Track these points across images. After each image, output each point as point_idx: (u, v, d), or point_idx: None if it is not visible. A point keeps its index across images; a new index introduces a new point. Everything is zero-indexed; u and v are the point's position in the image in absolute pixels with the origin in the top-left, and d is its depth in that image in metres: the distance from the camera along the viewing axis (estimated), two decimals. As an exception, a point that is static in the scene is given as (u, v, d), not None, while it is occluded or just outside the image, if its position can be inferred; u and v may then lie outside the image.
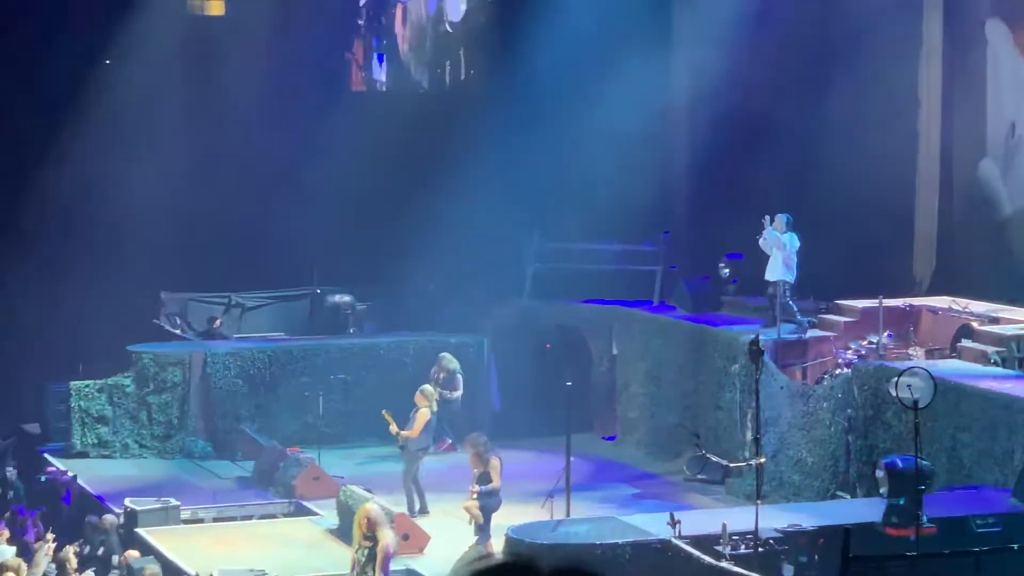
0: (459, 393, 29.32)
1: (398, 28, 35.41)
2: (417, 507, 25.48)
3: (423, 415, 25.84)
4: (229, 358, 30.74)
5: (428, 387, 26.49)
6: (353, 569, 20.15)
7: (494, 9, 34.39)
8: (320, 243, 32.38)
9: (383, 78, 36.17)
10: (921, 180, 30.86)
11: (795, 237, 27.14)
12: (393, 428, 25.55)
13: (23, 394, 30.56)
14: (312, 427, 29.20)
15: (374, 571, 19.66)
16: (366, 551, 19.83)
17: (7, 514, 25.82)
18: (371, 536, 19.83)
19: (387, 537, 19.85)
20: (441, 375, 29.24)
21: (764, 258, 27.49)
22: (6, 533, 23.40)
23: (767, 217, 27.31)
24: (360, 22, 35.83)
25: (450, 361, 29.52)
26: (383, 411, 25.71)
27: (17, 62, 32.59)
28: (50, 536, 23.50)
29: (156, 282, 33.10)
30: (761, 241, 27.31)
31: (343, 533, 23.97)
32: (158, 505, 25.40)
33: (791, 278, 27.35)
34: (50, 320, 31.13)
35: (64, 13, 32.60)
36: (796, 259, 27.30)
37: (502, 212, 31.75)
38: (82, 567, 22.71)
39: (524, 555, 2.75)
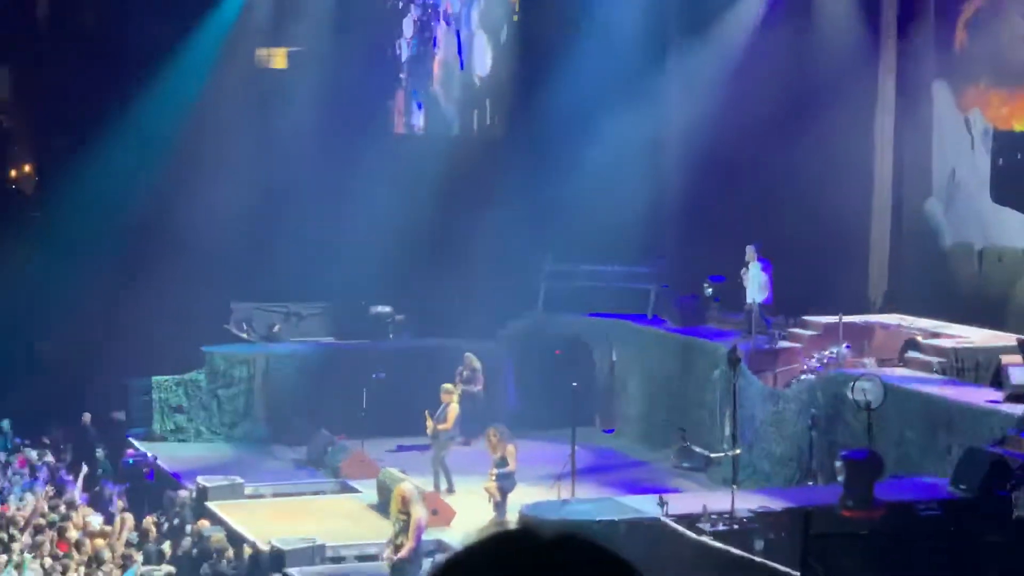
0: (480, 387, 29.40)
1: (435, 79, 35.44)
2: (444, 487, 25.49)
3: (453, 409, 25.90)
4: (287, 358, 30.79)
5: (448, 384, 26.54)
6: (390, 539, 20.21)
7: (514, 64, 34.42)
8: (365, 262, 32.39)
9: (420, 123, 36.20)
10: (875, 215, 30.83)
11: (759, 266, 27.25)
12: (429, 424, 25.64)
13: (111, 387, 30.60)
14: (356, 418, 29.23)
15: (407, 540, 19.72)
16: (401, 524, 19.89)
17: (95, 488, 25.95)
18: (405, 512, 19.89)
19: (419, 512, 19.90)
20: (465, 372, 29.33)
21: (741, 280, 27.62)
22: (88, 510, 23.43)
23: (751, 247, 27.37)
24: (402, 75, 35.88)
25: (473, 360, 29.59)
26: (425, 411, 25.78)
27: (115, 107, 32.80)
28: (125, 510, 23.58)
29: (226, 293, 33.17)
30: (743, 273, 27.42)
31: (382, 508, 24.03)
32: (225, 482, 25.45)
33: (765, 298, 27.37)
34: (135, 324, 31.17)
35: (160, 68, 32.87)
36: (769, 281, 27.31)
37: (519, 237, 31.77)
38: (160, 536, 22.77)
39: (525, 524, 2.75)
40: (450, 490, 25.40)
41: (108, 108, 32.92)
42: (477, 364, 29.55)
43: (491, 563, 2.71)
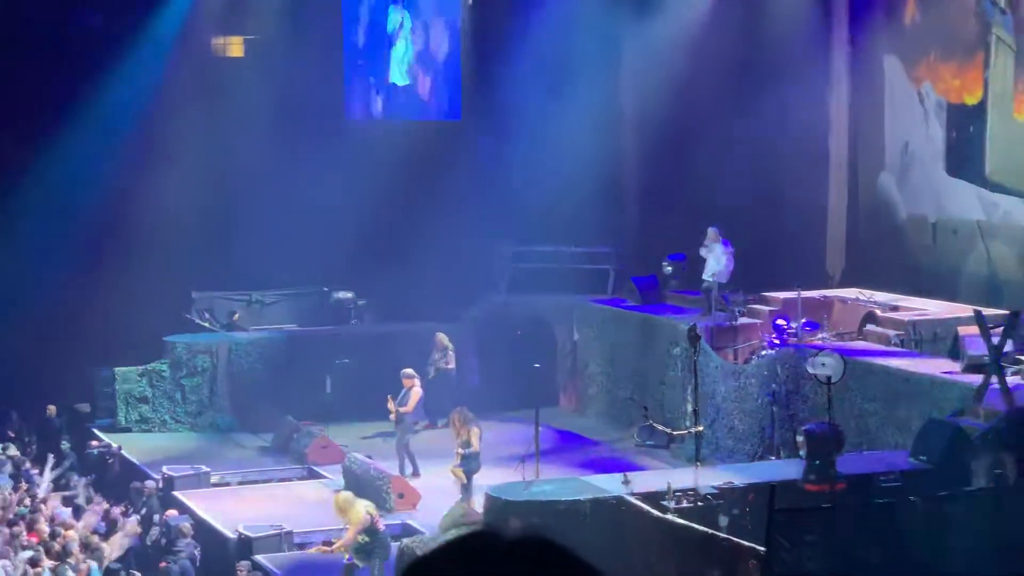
0: (453, 366, 29.51)
1: (391, 65, 35.36)
2: (409, 471, 25.53)
3: (416, 393, 25.97)
4: (250, 346, 30.75)
5: (409, 369, 26.59)
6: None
7: (470, 48, 34.39)
8: (326, 248, 32.36)
9: (378, 109, 36.13)
10: (832, 189, 30.99)
11: (722, 247, 27.39)
12: (392, 408, 25.69)
13: (74, 378, 30.48)
14: (321, 404, 29.25)
15: (343, 538, 20.12)
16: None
17: (62, 480, 25.87)
18: (344, 518, 20.24)
19: (357, 516, 20.08)
20: (437, 353, 29.45)
21: (702, 259, 27.73)
22: (56, 502, 23.36)
23: (713, 229, 27.51)
24: (359, 62, 35.81)
25: (444, 339, 29.67)
26: (388, 396, 25.82)
27: (71, 98, 32.64)
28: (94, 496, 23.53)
29: (187, 282, 33.07)
30: (703, 251, 27.54)
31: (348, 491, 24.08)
32: (191, 472, 25.43)
33: (723, 278, 27.49)
34: (97, 315, 31.03)
35: (115, 58, 32.72)
36: (728, 259, 27.44)
37: (479, 220, 31.78)
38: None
39: (489, 526, 2.84)
40: (415, 474, 25.44)
41: (63, 98, 32.74)
42: (448, 343, 29.64)
43: (456, 564, 2.79)
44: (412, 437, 26.05)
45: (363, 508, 20.28)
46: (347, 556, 20.34)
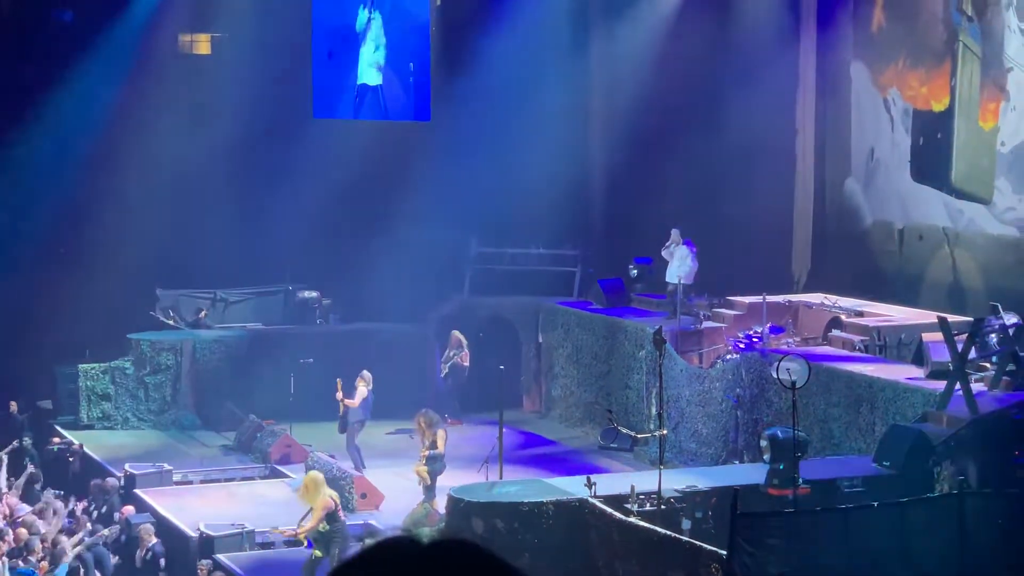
0: (467, 363, 29.50)
1: (359, 64, 35.21)
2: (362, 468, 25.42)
3: (361, 391, 25.97)
4: (215, 344, 30.58)
5: (367, 373, 26.54)
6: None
7: (437, 48, 34.28)
8: (292, 247, 32.28)
9: (345, 108, 35.96)
10: (798, 195, 30.99)
11: (686, 248, 27.40)
12: (339, 394, 25.64)
13: (37, 375, 30.28)
14: (285, 403, 29.10)
15: (307, 522, 20.01)
16: (308, 510, 20.14)
17: (23, 477, 25.63)
18: (310, 498, 20.11)
19: (321, 499, 19.97)
20: (452, 351, 29.42)
21: (666, 263, 27.71)
22: (15, 500, 23.14)
23: (675, 230, 27.54)
24: (326, 59, 35.65)
25: (460, 337, 29.59)
26: (337, 378, 25.80)
27: (37, 92, 32.47)
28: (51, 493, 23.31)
29: (152, 280, 32.92)
30: (664, 252, 27.56)
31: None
32: (153, 469, 25.26)
33: (688, 279, 27.47)
34: (60, 312, 30.84)
35: (83, 53, 32.52)
36: (692, 263, 27.43)
37: (444, 221, 31.71)
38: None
39: (406, 533, 2.88)
40: (358, 469, 25.24)
41: (27, 96, 32.54)
42: (464, 340, 29.59)
43: (375, 570, 2.84)
44: (359, 435, 26.00)
45: (328, 494, 20.22)
46: (305, 543, 20.30)
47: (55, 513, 22.18)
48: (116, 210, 31.73)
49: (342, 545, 19.97)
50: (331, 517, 19.95)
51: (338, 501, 20.44)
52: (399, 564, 2.81)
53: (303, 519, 20.19)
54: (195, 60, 35.25)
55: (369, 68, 34.97)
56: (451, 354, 29.50)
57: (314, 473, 21.14)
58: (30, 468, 25.09)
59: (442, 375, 29.46)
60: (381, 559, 2.83)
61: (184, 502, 23.96)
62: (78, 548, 20.92)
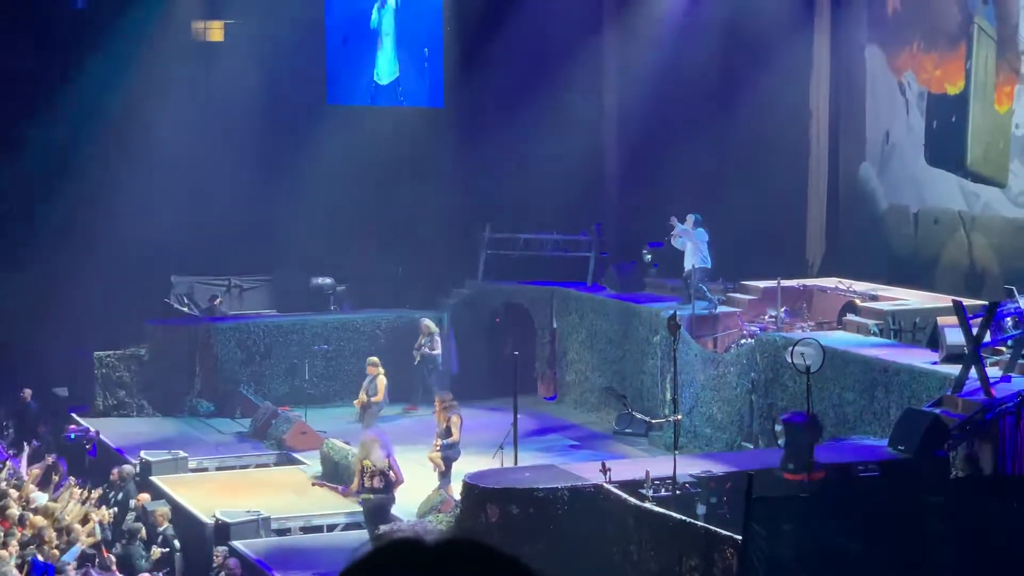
0: (439, 351, 29.44)
1: (375, 51, 35.18)
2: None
3: (382, 381, 26.02)
4: (229, 331, 30.58)
5: (374, 358, 26.72)
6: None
7: (454, 36, 34.23)
8: (306, 234, 32.29)
9: (360, 95, 35.94)
10: (812, 179, 30.93)
11: (703, 232, 27.34)
12: (361, 399, 25.94)
13: (53, 363, 30.32)
14: (299, 389, 29.14)
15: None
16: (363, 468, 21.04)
17: (39, 464, 25.67)
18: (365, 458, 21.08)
19: (381, 462, 21.00)
20: (423, 339, 29.39)
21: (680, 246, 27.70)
22: (33, 487, 23.16)
23: (674, 218, 27.50)
24: (341, 47, 35.63)
25: (430, 325, 29.59)
26: (354, 402, 26.15)
27: (53, 79, 32.51)
28: (73, 480, 23.38)
29: (166, 267, 32.97)
30: (673, 240, 27.51)
31: (325, 479, 24.03)
32: (169, 456, 25.29)
33: (704, 264, 27.43)
34: (75, 299, 30.89)
35: (97, 40, 32.54)
36: (706, 248, 27.39)
37: (459, 207, 31.71)
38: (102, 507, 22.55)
39: (412, 535, 2.84)
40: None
41: (41, 84, 32.58)
42: (434, 328, 29.57)
43: (381, 572, 2.80)
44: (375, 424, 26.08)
45: (384, 456, 20.93)
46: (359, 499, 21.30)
47: (71, 498, 22.21)
48: (130, 197, 31.74)
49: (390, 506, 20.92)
50: (385, 477, 20.59)
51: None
52: (406, 566, 2.77)
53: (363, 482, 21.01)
54: (208, 47, 35.24)
55: (386, 69, 34.94)
56: (421, 342, 29.44)
57: (373, 435, 21.99)
58: (48, 459, 25.11)
59: (415, 363, 29.32)
60: (387, 562, 2.79)
61: (199, 489, 23.98)
62: (91, 538, 20.95)
